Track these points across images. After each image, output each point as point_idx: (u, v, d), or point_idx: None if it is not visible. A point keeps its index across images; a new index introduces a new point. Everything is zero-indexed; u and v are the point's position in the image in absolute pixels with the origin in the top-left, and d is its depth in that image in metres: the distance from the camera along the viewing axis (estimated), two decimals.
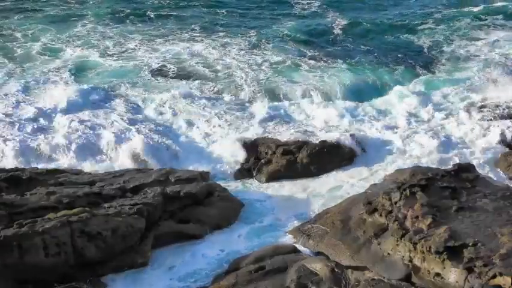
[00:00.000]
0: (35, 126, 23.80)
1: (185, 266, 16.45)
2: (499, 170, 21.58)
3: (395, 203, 16.65)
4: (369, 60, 32.81)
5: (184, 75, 30.46)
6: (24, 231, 14.78)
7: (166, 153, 22.39)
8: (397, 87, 28.82)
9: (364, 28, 38.78)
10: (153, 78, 29.91)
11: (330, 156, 22.10)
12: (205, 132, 24.34)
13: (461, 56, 33.46)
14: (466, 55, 33.61)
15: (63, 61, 31.84)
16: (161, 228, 17.36)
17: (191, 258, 16.74)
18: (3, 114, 24.83)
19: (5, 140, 22.23)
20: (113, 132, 23.18)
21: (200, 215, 18.26)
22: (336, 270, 14.90)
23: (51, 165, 20.73)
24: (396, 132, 24.32)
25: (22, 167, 19.81)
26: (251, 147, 22.80)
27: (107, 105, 26.33)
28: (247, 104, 27.15)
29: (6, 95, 27.07)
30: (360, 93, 28.37)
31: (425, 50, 34.84)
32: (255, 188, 21.09)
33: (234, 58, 32.52)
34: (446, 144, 23.31)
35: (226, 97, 27.80)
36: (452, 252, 14.39)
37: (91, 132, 23.29)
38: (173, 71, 30.97)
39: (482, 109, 25.90)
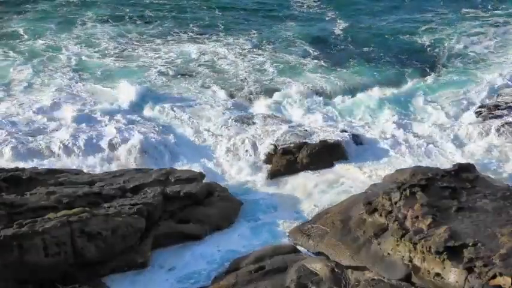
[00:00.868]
0: (35, 126, 23.79)
1: (185, 265, 16.46)
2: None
3: (395, 203, 16.65)
4: (370, 61, 32.78)
5: (184, 74, 30.41)
6: (24, 231, 14.79)
7: (166, 153, 22.40)
8: (398, 87, 28.79)
9: (364, 29, 38.76)
10: (153, 78, 29.87)
11: (330, 156, 22.09)
12: (205, 132, 24.31)
13: (461, 56, 33.44)
14: (467, 55, 33.59)
15: (64, 60, 31.80)
16: (161, 228, 17.37)
17: (191, 258, 16.75)
18: (3, 113, 24.84)
19: (5, 140, 22.23)
20: (113, 132, 23.20)
21: (200, 215, 18.26)
22: (336, 270, 14.90)
23: (51, 165, 20.74)
24: (397, 133, 24.32)
25: (22, 167, 19.80)
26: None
27: (108, 105, 26.31)
28: (247, 104, 27.17)
29: (7, 94, 27.08)
30: (360, 93, 28.31)
31: (427, 50, 34.79)
32: (255, 187, 21.07)
33: (235, 58, 32.50)
34: (447, 144, 23.36)
35: (227, 97, 27.78)
36: (452, 252, 14.39)
37: (91, 132, 23.31)
38: (174, 70, 30.92)
39: (482, 109, 25.88)
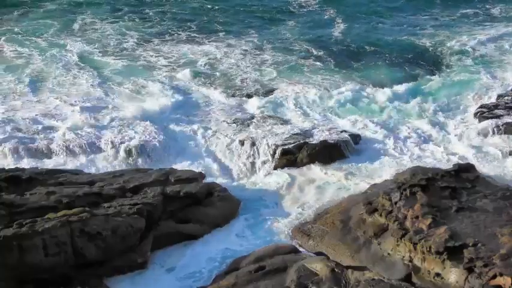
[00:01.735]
0: (36, 126, 23.78)
1: (185, 265, 16.46)
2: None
3: (396, 203, 16.66)
4: (370, 61, 32.78)
5: (184, 74, 30.39)
6: (24, 231, 14.77)
7: (166, 153, 22.40)
8: (398, 87, 28.79)
9: (364, 29, 38.78)
10: (153, 78, 29.87)
11: (330, 156, 22.08)
12: (205, 131, 24.31)
13: (462, 56, 33.40)
14: (467, 55, 33.56)
15: (65, 60, 31.80)
16: (161, 228, 17.36)
17: (191, 258, 16.74)
18: (3, 113, 24.83)
19: (5, 140, 22.22)
20: (114, 132, 23.21)
21: (200, 215, 18.27)
22: (336, 270, 14.88)
23: (51, 165, 20.74)
24: (396, 133, 24.32)
25: (22, 167, 19.80)
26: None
27: (108, 104, 26.30)
28: (247, 104, 27.14)
29: (8, 93, 27.07)
30: (360, 94, 28.30)
31: (427, 50, 34.75)
32: (255, 187, 21.06)
33: (235, 58, 32.54)
34: (447, 144, 23.37)
35: (227, 97, 27.80)
36: (453, 253, 14.40)
37: (92, 132, 23.32)
38: (174, 70, 30.96)
39: (482, 109, 25.86)
